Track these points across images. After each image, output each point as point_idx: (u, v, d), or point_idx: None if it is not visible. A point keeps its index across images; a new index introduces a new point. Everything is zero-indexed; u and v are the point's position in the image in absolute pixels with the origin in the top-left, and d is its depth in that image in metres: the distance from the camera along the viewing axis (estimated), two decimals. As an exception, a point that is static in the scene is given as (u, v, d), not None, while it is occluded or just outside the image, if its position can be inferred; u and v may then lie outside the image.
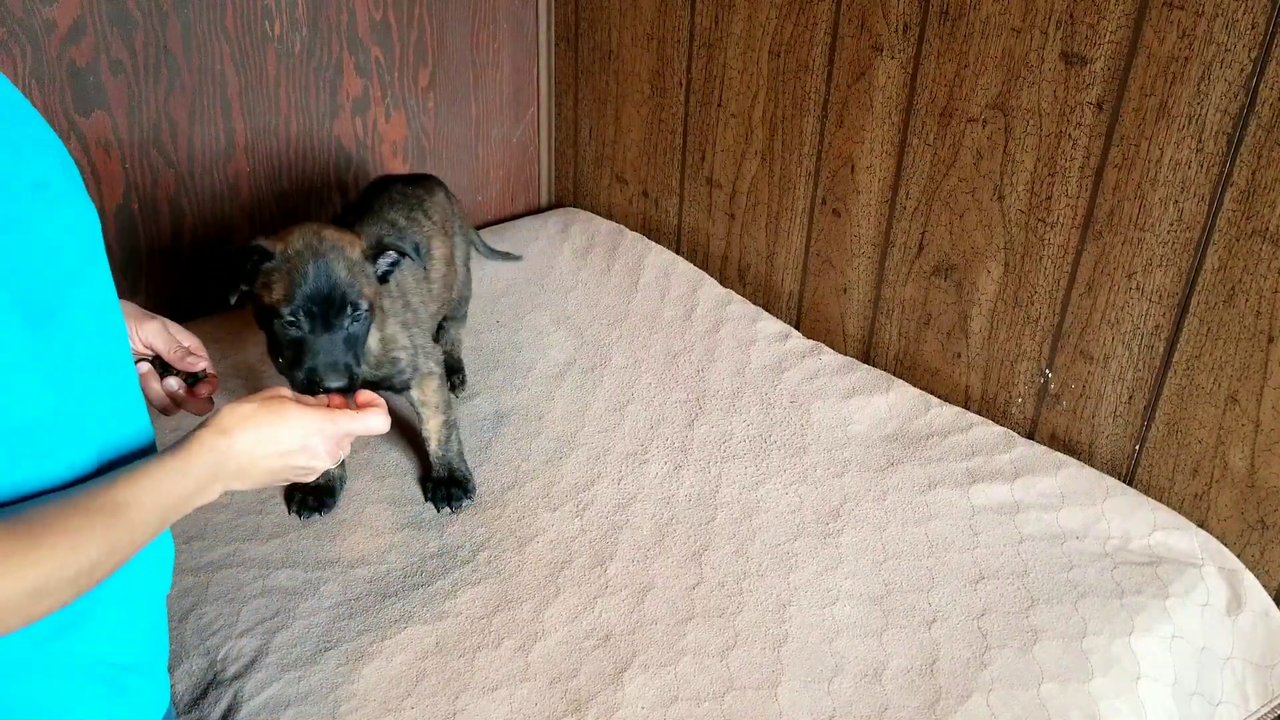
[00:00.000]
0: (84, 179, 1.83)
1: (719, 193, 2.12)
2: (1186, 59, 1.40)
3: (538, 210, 2.53)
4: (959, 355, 1.80)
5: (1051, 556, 1.48)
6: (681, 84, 2.10)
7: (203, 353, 1.19)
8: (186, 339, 1.19)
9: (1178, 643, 1.37)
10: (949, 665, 1.31)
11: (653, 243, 2.23)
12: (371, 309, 1.32)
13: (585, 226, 2.32)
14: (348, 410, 1.04)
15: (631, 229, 2.29)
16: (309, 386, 1.24)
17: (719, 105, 2.04)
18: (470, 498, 1.57)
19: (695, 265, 2.17)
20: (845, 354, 1.94)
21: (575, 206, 2.46)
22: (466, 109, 2.31)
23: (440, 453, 1.58)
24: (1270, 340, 1.43)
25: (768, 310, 2.06)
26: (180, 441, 0.92)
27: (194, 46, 1.87)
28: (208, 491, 0.92)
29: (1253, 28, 1.33)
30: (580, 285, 2.14)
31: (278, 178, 2.08)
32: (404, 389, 1.52)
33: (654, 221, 2.30)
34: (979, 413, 1.77)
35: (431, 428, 1.57)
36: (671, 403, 1.80)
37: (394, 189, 1.70)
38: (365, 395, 1.07)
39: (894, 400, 1.78)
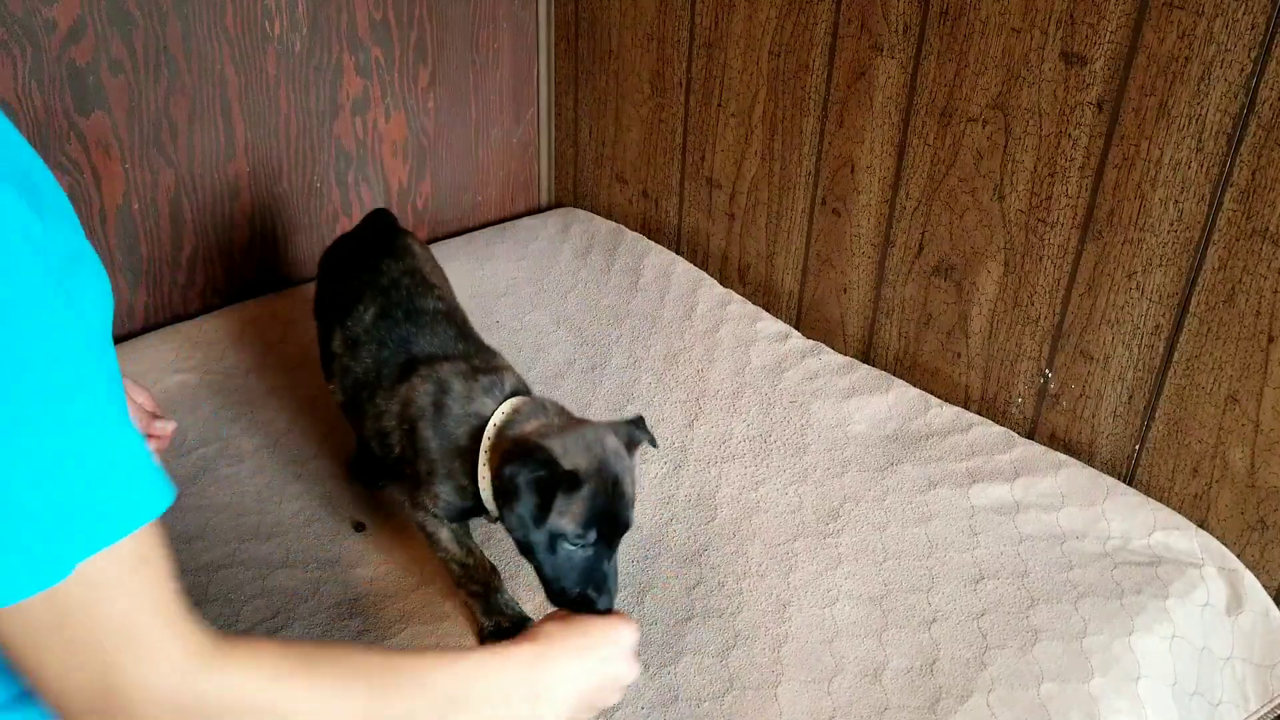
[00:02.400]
0: (84, 179, 1.84)
1: (719, 193, 2.12)
2: (1186, 59, 1.40)
3: (538, 210, 2.53)
4: (959, 355, 1.80)
5: (1051, 556, 1.48)
6: (681, 84, 2.10)
7: (159, 411, 1.15)
8: (140, 395, 1.14)
9: (1178, 643, 1.37)
10: (949, 665, 1.31)
11: (653, 243, 2.23)
12: None
13: (585, 226, 2.32)
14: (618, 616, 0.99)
15: (631, 229, 2.29)
16: (581, 604, 1.11)
17: (719, 105, 2.04)
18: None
19: (695, 265, 2.17)
20: (845, 354, 1.94)
21: (575, 206, 2.46)
22: (466, 109, 2.31)
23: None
24: (1270, 340, 1.43)
25: (768, 310, 2.06)
26: (496, 649, 0.84)
27: (194, 46, 1.87)
28: (506, 710, 0.82)
29: (1253, 28, 1.33)
30: (580, 285, 2.14)
31: (278, 178, 2.08)
32: None
33: (654, 221, 2.30)
34: (979, 413, 1.77)
35: None
36: (671, 403, 1.80)
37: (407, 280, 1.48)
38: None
39: (894, 400, 1.78)
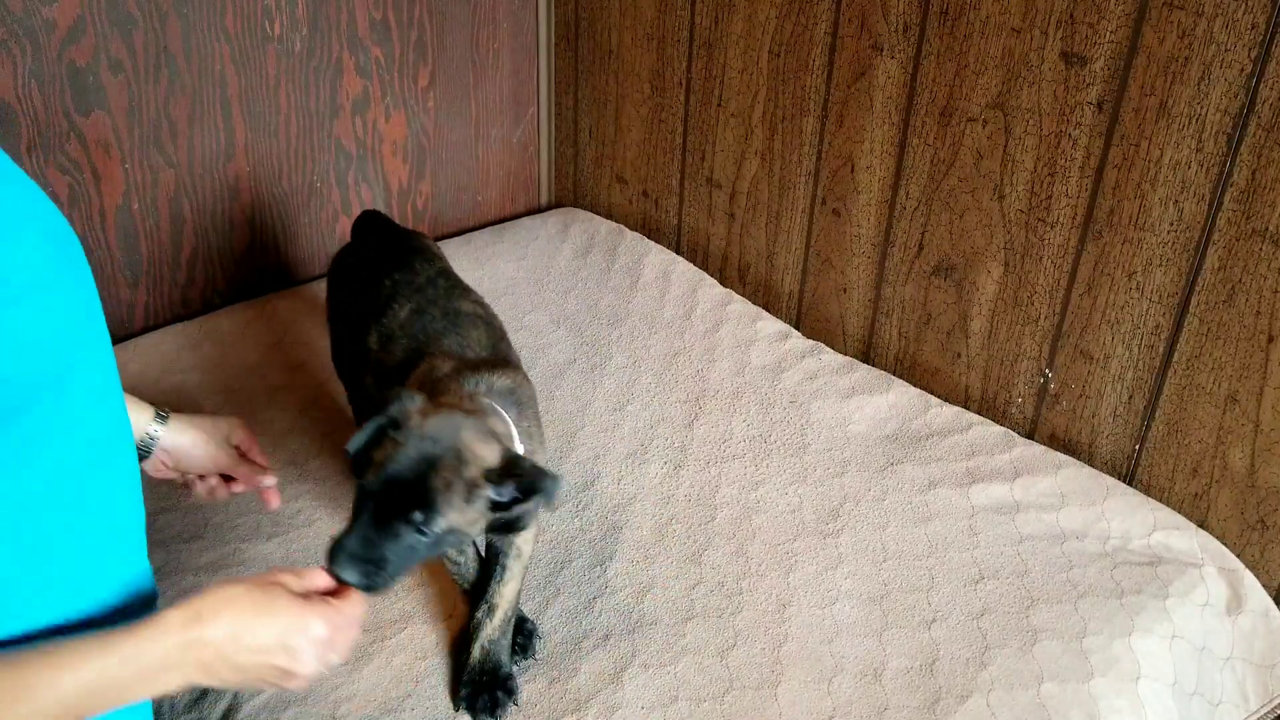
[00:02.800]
0: (84, 179, 1.84)
1: (719, 193, 2.12)
2: (1186, 59, 1.40)
3: (538, 210, 2.53)
4: (959, 355, 1.80)
5: (1051, 556, 1.48)
6: (681, 84, 2.10)
7: (259, 457, 1.18)
8: (238, 435, 1.17)
9: (1178, 643, 1.37)
10: (949, 665, 1.31)
11: (653, 243, 2.23)
12: (452, 535, 1.05)
13: (585, 226, 2.32)
14: (343, 601, 0.92)
15: (631, 229, 2.29)
16: (325, 562, 1.01)
17: (719, 105, 2.04)
18: (515, 702, 1.25)
19: (695, 265, 2.17)
20: (845, 354, 1.94)
21: (575, 206, 2.46)
22: (466, 109, 2.31)
23: (495, 636, 1.27)
24: (1270, 340, 1.43)
25: (768, 310, 2.06)
26: (147, 618, 0.81)
27: (194, 46, 1.87)
28: (158, 682, 0.81)
29: (1253, 28, 1.33)
30: (580, 285, 2.14)
31: (278, 178, 2.08)
32: (524, 527, 1.22)
33: (654, 221, 2.30)
34: (979, 413, 1.77)
35: (506, 594, 1.27)
36: (671, 403, 1.80)
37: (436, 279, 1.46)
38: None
39: (894, 400, 1.78)
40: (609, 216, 2.37)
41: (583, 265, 2.20)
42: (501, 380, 1.24)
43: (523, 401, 1.26)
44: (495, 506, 1.06)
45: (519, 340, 1.97)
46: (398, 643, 1.34)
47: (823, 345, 1.94)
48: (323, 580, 0.95)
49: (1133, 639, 1.34)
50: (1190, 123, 1.42)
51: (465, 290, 1.49)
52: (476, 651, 1.26)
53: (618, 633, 1.36)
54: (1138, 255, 1.52)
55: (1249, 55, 1.35)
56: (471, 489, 1.04)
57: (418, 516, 1.01)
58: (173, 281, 2.03)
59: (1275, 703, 1.45)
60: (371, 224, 1.65)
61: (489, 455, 1.06)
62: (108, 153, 1.85)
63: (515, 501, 1.06)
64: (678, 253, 2.24)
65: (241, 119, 1.98)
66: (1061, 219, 1.59)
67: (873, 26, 1.75)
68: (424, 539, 1.02)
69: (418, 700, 1.26)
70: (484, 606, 1.27)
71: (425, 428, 1.05)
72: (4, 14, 1.66)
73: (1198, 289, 1.48)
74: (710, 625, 1.37)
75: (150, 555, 1.47)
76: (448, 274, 1.51)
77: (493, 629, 1.27)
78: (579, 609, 1.40)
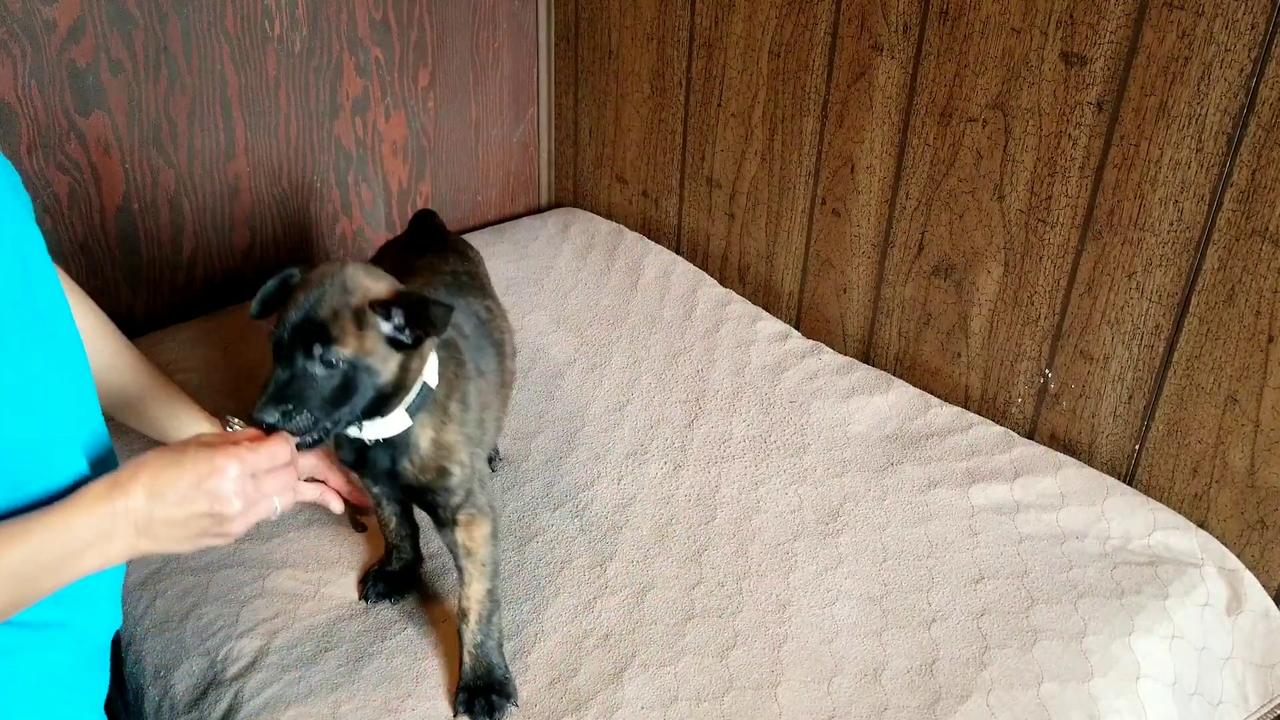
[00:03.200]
0: (84, 179, 1.84)
1: (719, 193, 2.12)
2: (1186, 59, 1.40)
3: (538, 210, 2.53)
4: (959, 355, 1.80)
5: (1051, 556, 1.48)
6: (681, 84, 2.10)
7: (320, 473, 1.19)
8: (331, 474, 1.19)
9: (1178, 643, 1.37)
10: (949, 665, 1.31)
11: (653, 243, 2.23)
12: (360, 370, 1.08)
13: (585, 226, 2.32)
14: (260, 442, 0.93)
15: (631, 229, 2.29)
16: (249, 417, 1.06)
17: (719, 105, 2.04)
18: (513, 703, 1.26)
19: (695, 265, 2.17)
20: (845, 354, 1.94)
21: (575, 206, 2.46)
22: (466, 109, 2.31)
23: (479, 639, 1.26)
24: (1270, 340, 1.43)
25: (768, 310, 2.06)
26: (69, 496, 0.84)
27: (194, 46, 1.87)
28: (101, 553, 0.83)
29: (1253, 28, 1.33)
30: (580, 285, 2.14)
31: (278, 178, 2.08)
32: (449, 520, 1.25)
33: (654, 221, 2.30)
34: (979, 413, 1.77)
35: (473, 594, 1.25)
36: (671, 403, 1.80)
37: (450, 258, 1.50)
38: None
39: (894, 400, 1.78)
40: (609, 216, 2.37)
41: (583, 265, 2.20)
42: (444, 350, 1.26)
43: (456, 372, 1.25)
44: (394, 344, 1.10)
45: (519, 340, 1.97)
46: (397, 643, 1.34)
47: (823, 345, 1.94)
48: (247, 438, 0.97)
49: (1133, 639, 1.34)
50: (1190, 123, 1.42)
51: (484, 292, 1.48)
52: (465, 659, 1.27)
53: (618, 633, 1.36)
54: (1138, 255, 1.52)
55: (1249, 55, 1.35)
56: (359, 315, 1.08)
57: (317, 349, 1.06)
58: (173, 281, 2.03)
59: (1275, 703, 1.45)
60: (424, 220, 1.63)
61: (377, 288, 1.11)
62: (108, 153, 1.85)
63: (411, 333, 1.10)
64: (678, 253, 2.24)
65: (241, 119, 1.98)
66: (1061, 219, 1.59)
67: (873, 26, 1.75)
68: (331, 370, 1.07)
69: (418, 700, 1.26)
70: (459, 614, 1.27)
71: (316, 273, 1.11)
72: (4, 14, 1.66)
73: (1198, 289, 1.48)
74: (710, 625, 1.37)
75: (150, 555, 1.48)
76: (475, 275, 1.52)
77: (473, 632, 1.26)
78: (579, 609, 1.40)
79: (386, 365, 1.10)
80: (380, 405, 1.13)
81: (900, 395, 1.79)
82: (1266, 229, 1.39)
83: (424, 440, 1.20)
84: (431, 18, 2.16)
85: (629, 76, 2.21)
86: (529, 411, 1.78)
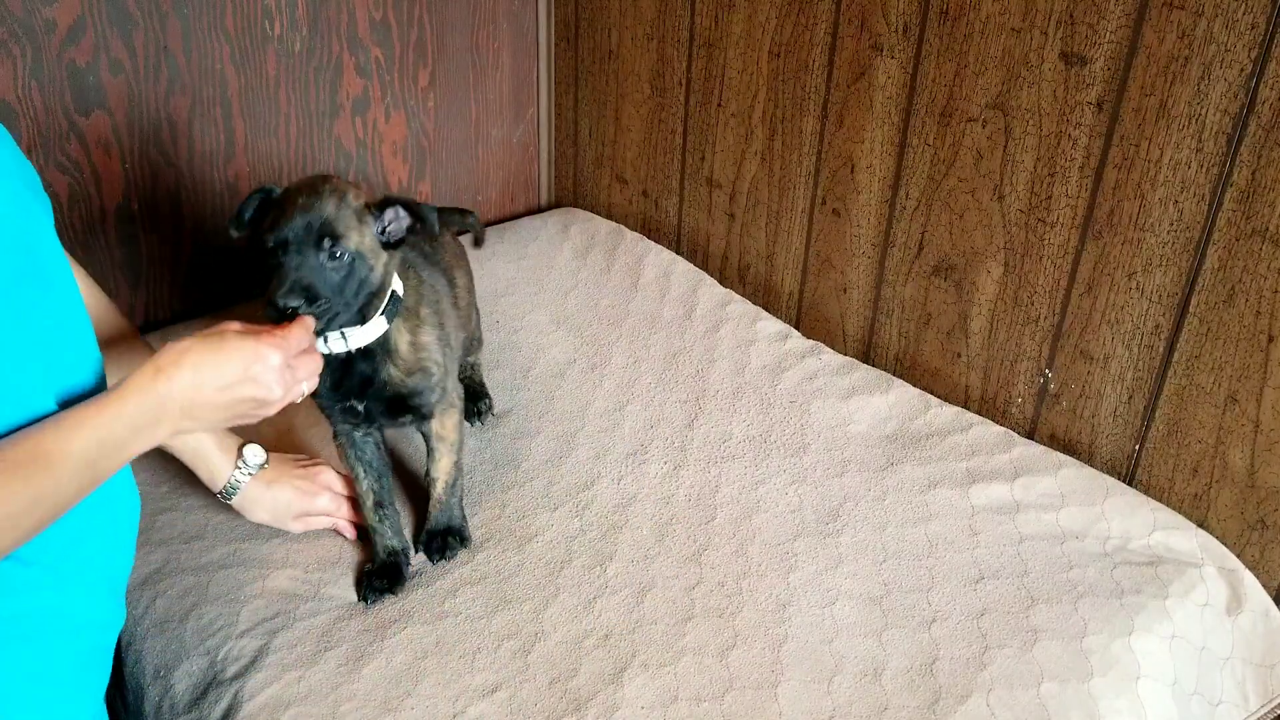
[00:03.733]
0: (84, 179, 1.84)
1: (719, 193, 2.12)
2: (1186, 59, 1.40)
3: (538, 210, 2.53)
4: (959, 355, 1.80)
5: (1051, 556, 1.48)
6: (681, 84, 2.10)
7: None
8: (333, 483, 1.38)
9: (1177, 643, 1.37)
10: (949, 665, 1.31)
11: (653, 243, 2.23)
12: (362, 262, 1.23)
13: (585, 226, 2.32)
14: (288, 329, 1.03)
15: (631, 229, 2.29)
16: (271, 313, 1.16)
17: (719, 105, 2.04)
18: (465, 546, 1.48)
19: (695, 265, 2.17)
20: (845, 354, 1.94)
21: (575, 206, 2.47)
22: (466, 109, 2.31)
23: (444, 498, 1.48)
24: (1270, 340, 1.43)
25: (768, 310, 2.06)
26: (117, 384, 0.90)
27: (194, 46, 1.87)
28: (150, 434, 0.90)
29: (1253, 28, 1.33)
30: (580, 285, 2.14)
31: (278, 178, 2.08)
32: (428, 415, 1.43)
33: (654, 221, 2.30)
34: (979, 413, 1.77)
35: (442, 467, 1.47)
36: (671, 403, 1.80)
37: None
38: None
39: (894, 400, 1.78)
40: (609, 216, 2.37)
41: (583, 265, 2.20)
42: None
43: (418, 285, 1.41)
44: (392, 243, 1.28)
45: (519, 340, 1.97)
46: (397, 643, 1.34)
47: (823, 345, 1.94)
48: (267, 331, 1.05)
49: (1133, 639, 1.34)
50: (1190, 123, 1.42)
51: (458, 265, 1.64)
52: (431, 510, 1.49)
53: (618, 633, 1.36)
54: (1138, 255, 1.52)
55: (1249, 55, 1.35)
56: (360, 216, 1.24)
57: (326, 243, 1.20)
58: (173, 281, 2.03)
59: (1275, 703, 1.45)
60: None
61: (362, 195, 1.27)
62: (108, 153, 1.85)
63: (407, 231, 1.28)
64: (678, 253, 2.24)
65: (241, 119, 1.98)
66: (1061, 219, 1.59)
67: (873, 26, 1.75)
68: (337, 262, 1.21)
69: (418, 700, 1.26)
70: (428, 481, 1.49)
71: (305, 184, 1.24)
72: (4, 14, 1.66)
73: (1198, 289, 1.48)
74: (710, 625, 1.37)
75: (150, 555, 1.49)
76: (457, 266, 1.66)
77: (438, 496, 1.48)
78: (579, 609, 1.40)
79: (379, 261, 1.27)
80: (367, 305, 1.27)
81: (900, 395, 1.79)
82: (1266, 229, 1.39)
83: (403, 344, 1.36)
84: (431, 18, 2.16)
85: (629, 76, 2.21)
86: (529, 411, 1.78)
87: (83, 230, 1.88)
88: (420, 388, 1.38)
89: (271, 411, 1.00)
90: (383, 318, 1.30)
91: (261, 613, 1.38)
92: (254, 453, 1.40)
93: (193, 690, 1.30)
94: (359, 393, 1.36)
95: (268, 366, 0.98)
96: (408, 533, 1.52)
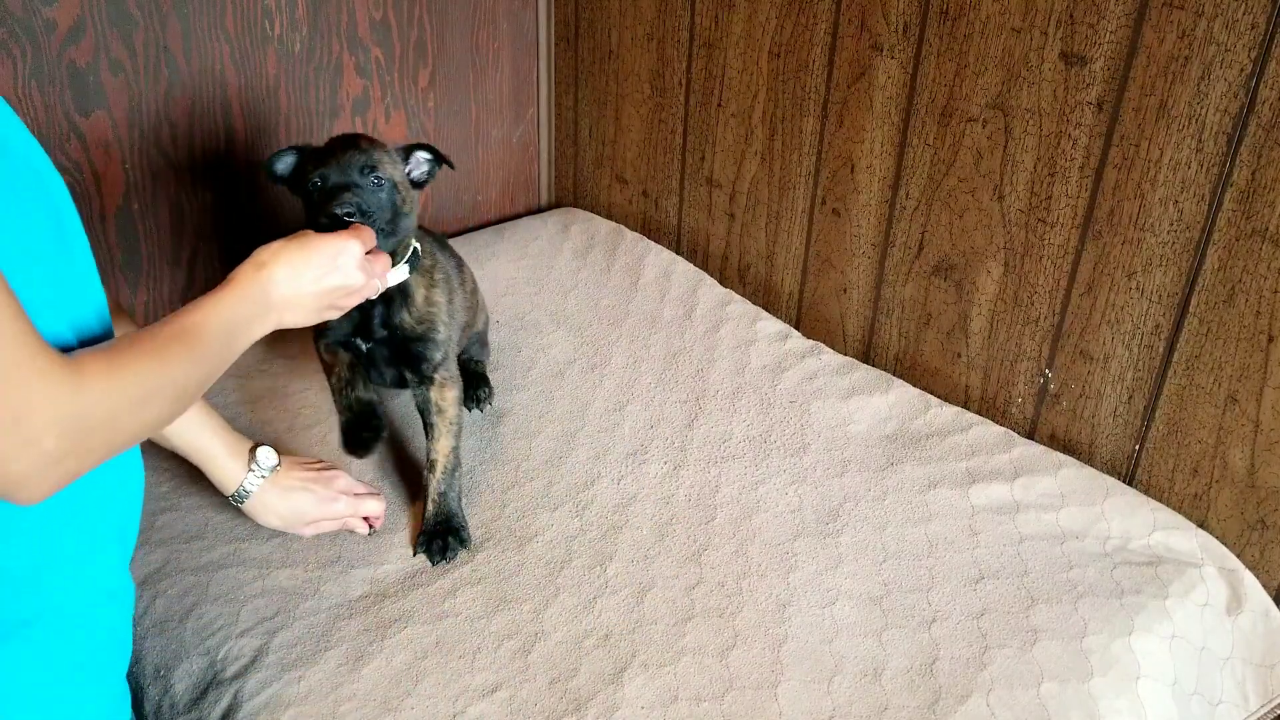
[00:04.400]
0: (84, 179, 1.84)
1: (719, 193, 2.12)
2: (1186, 59, 1.40)
3: (538, 210, 2.53)
4: (959, 355, 1.80)
5: (1051, 556, 1.48)
6: (681, 84, 2.10)
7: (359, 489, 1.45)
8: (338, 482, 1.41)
9: (1177, 643, 1.37)
10: (949, 665, 1.31)
11: (653, 243, 2.23)
12: (396, 191, 1.40)
13: (585, 226, 2.32)
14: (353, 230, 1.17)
15: (631, 229, 2.29)
16: (327, 222, 1.30)
17: (719, 105, 2.04)
18: (465, 547, 1.49)
19: (695, 265, 2.17)
20: (845, 354, 1.94)
21: (575, 206, 2.47)
22: (466, 109, 2.31)
23: (442, 489, 1.51)
24: (1270, 340, 1.43)
25: (768, 310, 2.06)
26: (225, 280, 1.01)
27: (194, 46, 1.87)
28: (264, 320, 1.01)
29: (1253, 28, 1.33)
30: (580, 285, 2.14)
31: (278, 178, 2.07)
32: (429, 373, 1.53)
33: (654, 221, 2.30)
34: (979, 413, 1.77)
35: (441, 448, 1.52)
36: (671, 402, 1.80)
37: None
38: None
39: (894, 400, 1.78)
40: (609, 216, 2.37)
41: (583, 265, 2.20)
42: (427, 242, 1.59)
43: (433, 254, 1.58)
44: (418, 183, 1.46)
45: (519, 340, 1.97)
46: (397, 642, 1.34)
47: (823, 345, 1.94)
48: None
49: (1133, 639, 1.34)
50: (1190, 123, 1.42)
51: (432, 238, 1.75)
52: (429, 506, 1.51)
53: (618, 633, 1.36)
54: (1138, 255, 1.52)
55: (1249, 55, 1.35)
56: (392, 157, 1.43)
57: (370, 171, 1.38)
58: (173, 282, 2.03)
59: (1275, 703, 1.45)
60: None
61: (387, 145, 1.44)
62: (108, 153, 1.85)
63: (429, 173, 1.47)
64: (678, 253, 2.24)
65: (241, 119, 1.98)
66: (1061, 219, 1.59)
67: (873, 26, 1.75)
68: (379, 185, 1.38)
69: (418, 700, 1.26)
70: (427, 465, 1.53)
71: (341, 136, 1.43)
72: (4, 14, 1.66)
73: (1198, 289, 1.48)
74: (710, 625, 1.37)
75: (150, 555, 1.49)
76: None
77: (438, 483, 1.51)
78: (579, 609, 1.40)
79: (409, 194, 1.44)
80: (395, 243, 1.43)
81: (900, 395, 1.79)
82: (1266, 229, 1.39)
83: (419, 295, 1.51)
84: (431, 18, 2.16)
85: (629, 76, 2.21)
86: (529, 411, 1.78)
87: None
88: (427, 336, 1.52)
89: (357, 300, 1.13)
90: (405, 265, 1.46)
91: (261, 612, 1.38)
92: (266, 455, 1.40)
93: (192, 690, 1.30)
94: (371, 332, 1.49)
95: (351, 256, 1.10)
96: (406, 534, 1.52)
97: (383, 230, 1.36)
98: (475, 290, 1.81)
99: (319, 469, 1.47)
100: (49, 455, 0.76)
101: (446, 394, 1.54)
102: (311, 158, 1.41)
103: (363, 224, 1.29)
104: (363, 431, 1.53)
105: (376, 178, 1.38)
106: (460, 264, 1.75)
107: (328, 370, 1.61)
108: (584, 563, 1.47)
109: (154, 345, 0.88)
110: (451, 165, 1.49)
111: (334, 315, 1.15)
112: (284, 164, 1.46)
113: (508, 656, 1.32)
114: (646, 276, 2.13)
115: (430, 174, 1.48)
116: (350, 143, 1.41)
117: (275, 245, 1.05)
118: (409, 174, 1.46)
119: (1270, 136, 1.35)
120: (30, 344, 0.75)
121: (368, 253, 1.21)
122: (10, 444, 0.74)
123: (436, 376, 1.53)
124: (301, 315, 1.06)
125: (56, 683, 0.91)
